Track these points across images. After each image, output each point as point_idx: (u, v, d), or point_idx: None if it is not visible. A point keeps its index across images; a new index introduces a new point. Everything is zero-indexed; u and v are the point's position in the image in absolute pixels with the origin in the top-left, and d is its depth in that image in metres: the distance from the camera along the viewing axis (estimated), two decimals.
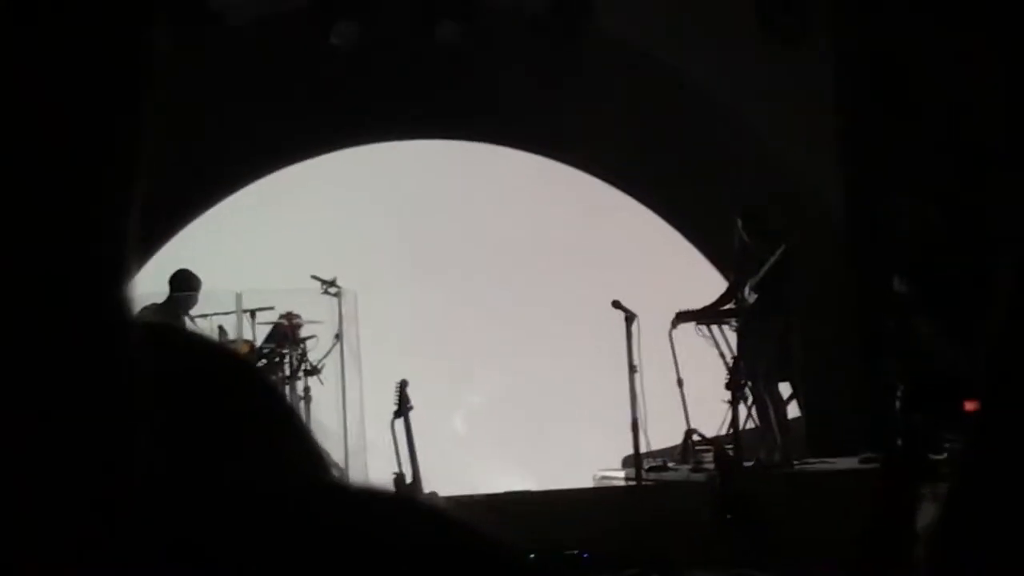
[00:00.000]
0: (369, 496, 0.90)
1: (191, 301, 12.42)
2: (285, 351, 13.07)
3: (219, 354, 1.02)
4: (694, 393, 12.83)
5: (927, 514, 8.71)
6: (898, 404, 10.85)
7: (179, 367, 0.91)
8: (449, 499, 10.43)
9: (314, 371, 13.15)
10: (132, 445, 0.73)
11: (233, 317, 13.00)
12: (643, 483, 11.42)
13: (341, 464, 13.02)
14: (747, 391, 12.33)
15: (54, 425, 0.69)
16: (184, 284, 12.40)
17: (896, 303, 12.31)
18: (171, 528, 0.75)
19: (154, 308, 11.71)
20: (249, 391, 1.00)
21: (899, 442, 10.37)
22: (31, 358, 0.69)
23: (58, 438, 0.70)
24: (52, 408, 0.70)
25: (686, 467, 12.57)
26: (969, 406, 10.26)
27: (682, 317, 12.72)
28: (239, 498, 0.81)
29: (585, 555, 10.56)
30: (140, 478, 0.73)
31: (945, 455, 9.88)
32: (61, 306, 0.70)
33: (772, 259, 12.26)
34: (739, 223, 12.58)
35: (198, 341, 1.04)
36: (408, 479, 10.28)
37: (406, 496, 0.90)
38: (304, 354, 13.17)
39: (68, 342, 0.70)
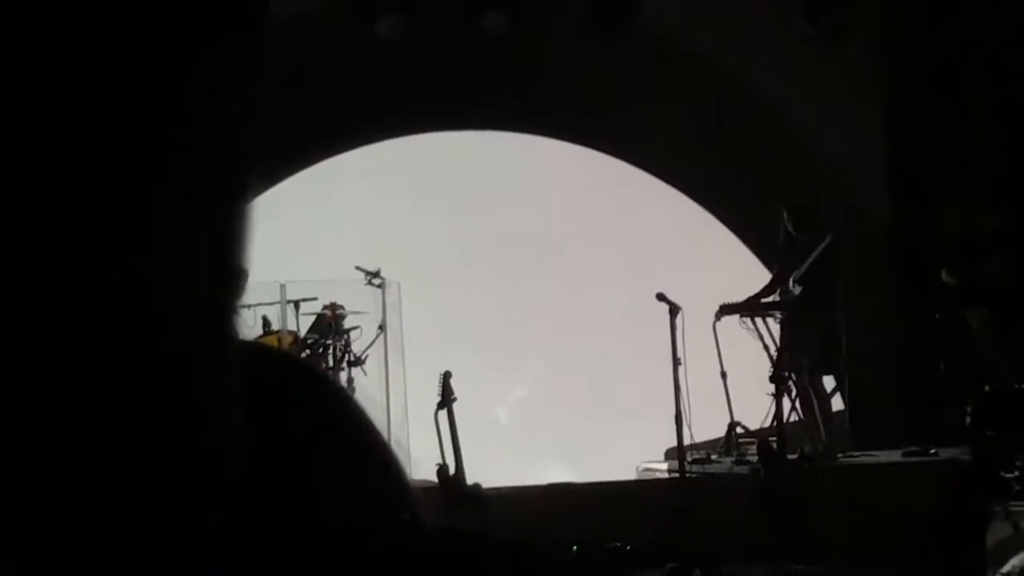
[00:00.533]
0: (441, 545, 0.90)
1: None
2: (329, 342, 13.11)
3: (313, 376, 1.02)
4: (738, 386, 12.82)
5: (999, 532, 8.68)
6: (968, 419, 10.80)
7: (273, 384, 0.91)
8: (492, 490, 10.45)
9: (358, 362, 13.18)
10: (227, 455, 0.74)
11: (277, 308, 13.04)
12: (686, 475, 11.40)
13: None
14: (791, 384, 12.31)
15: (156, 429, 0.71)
16: None
17: (946, 295, 12.26)
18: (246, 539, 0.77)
19: None
20: (346, 423, 0.99)
21: (971, 459, 10.33)
22: (139, 365, 0.70)
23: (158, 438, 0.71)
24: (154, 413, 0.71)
25: (729, 460, 12.55)
26: None
27: (726, 309, 12.69)
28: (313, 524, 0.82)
29: (627, 547, 10.55)
30: (229, 486, 0.74)
31: (1017, 473, 9.83)
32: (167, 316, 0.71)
33: (817, 251, 12.23)
34: (784, 215, 12.57)
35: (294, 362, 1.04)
36: (451, 470, 10.29)
37: (479, 541, 0.90)
38: (348, 345, 13.20)
39: (177, 350, 0.71)
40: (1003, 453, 9.91)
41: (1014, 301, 11.62)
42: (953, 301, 12.07)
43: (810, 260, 12.29)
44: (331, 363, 13.11)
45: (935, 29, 13.88)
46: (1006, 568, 7.60)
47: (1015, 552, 8.03)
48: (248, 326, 11.35)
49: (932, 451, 12.03)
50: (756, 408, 12.43)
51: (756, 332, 12.61)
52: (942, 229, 13.33)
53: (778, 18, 14.22)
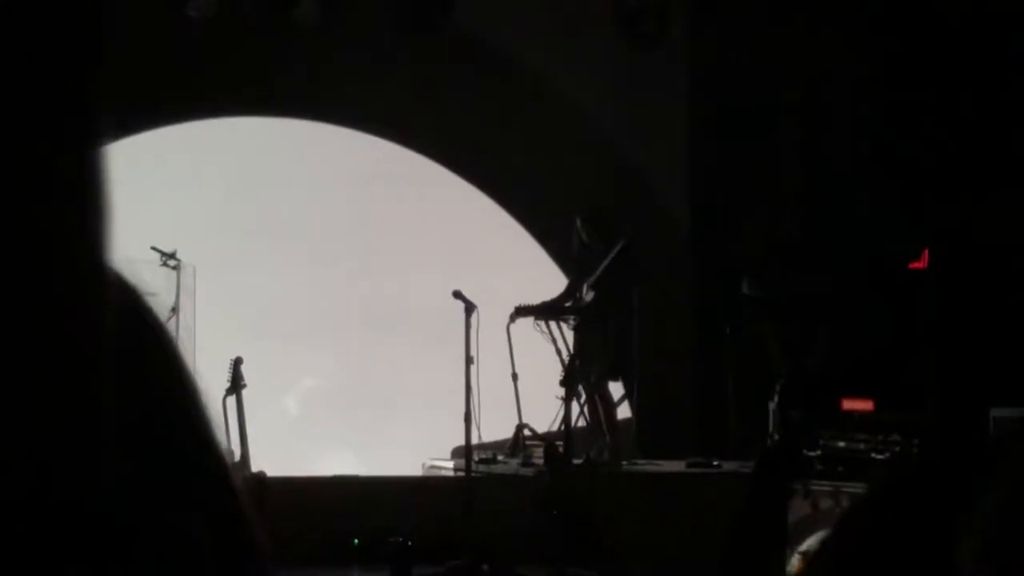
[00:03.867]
0: None
1: None
2: None
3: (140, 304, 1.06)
4: (528, 388, 12.89)
5: (798, 510, 8.86)
6: (776, 398, 11.00)
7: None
8: (277, 479, 10.39)
9: None
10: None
11: None
12: (472, 475, 11.44)
13: None
14: (581, 389, 12.41)
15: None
16: None
17: (739, 308, 12.48)
18: None
19: None
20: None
21: (775, 436, 10.54)
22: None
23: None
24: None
25: (515, 461, 12.62)
26: (847, 404, 10.44)
27: (521, 312, 12.77)
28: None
29: (409, 542, 10.56)
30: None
31: (819, 452, 10.04)
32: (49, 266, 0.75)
33: (609, 257, 12.37)
34: (578, 222, 12.69)
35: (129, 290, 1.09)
36: (236, 457, 10.20)
37: None
38: None
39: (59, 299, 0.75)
40: (806, 431, 10.15)
41: (806, 315, 11.86)
42: (750, 313, 12.29)
43: (602, 266, 12.43)
44: None
45: (742, 37, 14.10)
46: (803, 547, 7.76)
47: (814, 531, 8.20)
48: None
49: (715, 463, 12.24)
50: (545, 411, 12.52)
51: (550, 336, 12.71)
52: (740, 239, 13.56)
53: (586, 23, 14.34)
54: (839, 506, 9.07)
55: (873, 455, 10.05)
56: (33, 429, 0.74)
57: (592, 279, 12.50)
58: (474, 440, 11.53)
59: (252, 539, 0.99)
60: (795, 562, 7.64)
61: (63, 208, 0.76)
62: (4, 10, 0.74)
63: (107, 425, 0.78)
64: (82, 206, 0.78)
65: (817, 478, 9.67)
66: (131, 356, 0.90)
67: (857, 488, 8.98)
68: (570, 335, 12.70)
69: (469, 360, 11.40)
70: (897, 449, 9.79)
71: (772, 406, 11.15)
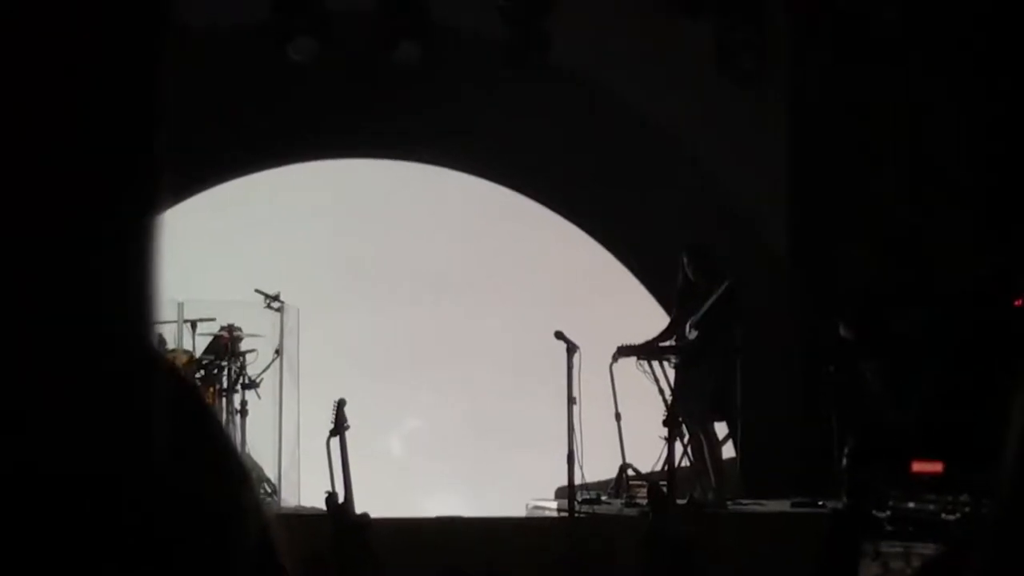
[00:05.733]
0: None
1: None
2: (224, 363, 13.01)
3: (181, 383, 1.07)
4: (631, 428, 12.84)
5: (868, 571, 8.77)
6: (845, 460, 10.89)
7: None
8: (381, 520, 10.40)
9: (252, 385, 13.09)
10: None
11: (174, 327, 12.92)
12: (575, 515, 11.40)
13: (273, 479, 12.96)
14: (684, 429, 12.35)
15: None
16: None
17: (841, 348, 12.38)
18: None
19: None
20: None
21: (845, 498, 10.43)
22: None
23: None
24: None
25: (619, 502, 12.57)
26: (916, 466, 10.33)
27: (623, 351, 12.73)
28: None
29: None
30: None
31: (889, 513, 9.93)
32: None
33: (714, 296, 12.31)
34: (684, 259, 12.64)
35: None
36: (340, 498, 10.22)
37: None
38: (243, 367, 13.10)
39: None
40: (876, 493, 10.04)
41: (909, 357, 11.74)
42: (849, 354, 12.18)
43: (707, 305, 12.37)
44: (225, 385, 13.02)
45: (843, 74, 14.03)
46: None
47: None
48: None
49: (820, 503, 12.12)
50: (648, 451, 12.46)
51: (652, 375, 12.66)
52: (840, 280, 13.46)
53: (688, 61, 14.34)
54: (909, 567, 8.98)
55: (943, 516, 9.93)
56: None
57: (696, 318, 12.44)
58: (577, 480, 11.50)
59: None
60: None
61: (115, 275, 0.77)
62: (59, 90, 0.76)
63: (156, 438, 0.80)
64: (134, 274, 0.79)
65: (887, 539, 9.58)
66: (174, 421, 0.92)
67: (927, 549, 8.92)
68: (672, 374, 12.64)
69: (571, 400, 11.38)
70: (967, 510, 9.67)
71: (843, 466, 11.04)
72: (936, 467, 10.40)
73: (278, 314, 13.17)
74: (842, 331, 12.16)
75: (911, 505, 10.18)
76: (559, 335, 11.57)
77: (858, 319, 12.17)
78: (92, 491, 0.75)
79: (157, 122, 0.79)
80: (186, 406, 0.98)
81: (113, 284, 0.77)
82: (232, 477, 0.96)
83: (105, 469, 0.76)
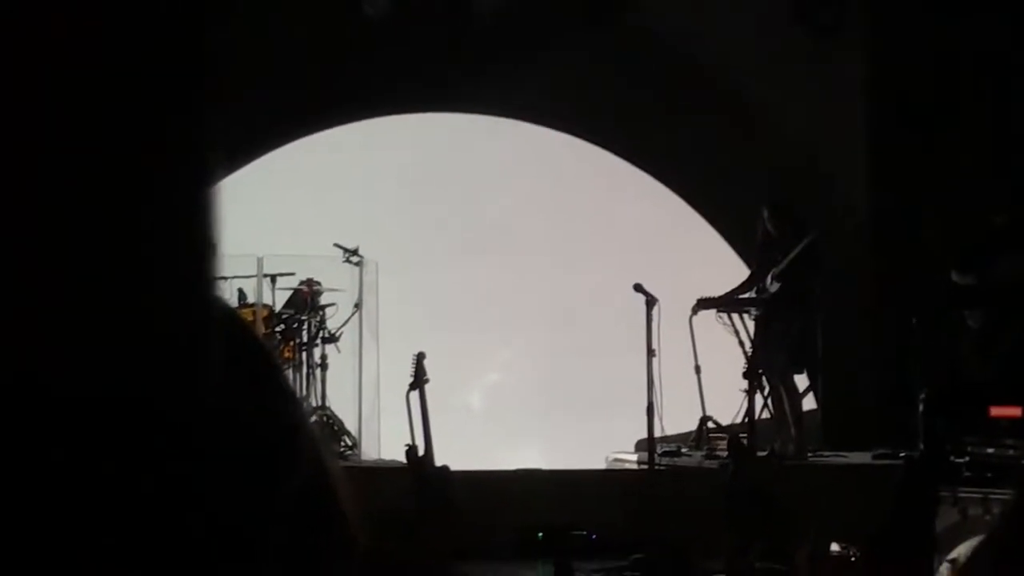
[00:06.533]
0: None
1: None
2: (304, 317, 13.08)
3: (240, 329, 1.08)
4: (711, 380, 12.83)
5: (946, 517, 8.71)
6: (921, 407, 10.81)
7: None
8: (461, 473, 10.44)
9: (332, 339, 13.16)
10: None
11: (254, 281, 13.00)
12: (655, 468, 11.40)
13: (354, 431, 13.04)
14: (764, 381, 12.32)
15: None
16: None
17: (953, 294, 12.21)
18: None
19: None
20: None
21: (921, 445, 10.35)
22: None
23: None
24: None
25: (699, 454, 12.57)
26: (994, 411, 10.24)
27: (703, 304, 12.69)
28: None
29: (593, 536, 10.56)
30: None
31: (967, 459, 9.85)
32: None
33: (796, 249, 12.23)
34: (764, 212, 12.56)
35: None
36: (420, 451, 10.27)
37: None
38: (323, 321, 13.17)
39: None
40: (954, 440, 9.96)
41: (1012, 304, 11.60)
42: (960, 301, 12.02)
43: (789, 258, 12.29)
44: (305, 339, 13.09)
45: (927, 28, 13.88)
46: (952, 555, 7.63)
47: (962, 539, 8.06)
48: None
49: (902, 454, 12.04)
50: (728, 404, 12.45)
51: (732, 328, 12.62)
52: (938, 229, 13.30)
53: (764, 16, 14.23)
54: (988, 513, 8.88)
55: (1023, 461, 9.83)
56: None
57: (778, 270, 12.37)
58: (657, 433, 11.49)
59: (339, 535, 1.01)
60: (944, 571, 7.51)
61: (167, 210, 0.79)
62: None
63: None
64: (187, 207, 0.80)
65: (965, 485, 9.49)
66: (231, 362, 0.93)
67: (1007, 495, 8.81)
68: (752, 327, 12.59)
69: (651, 352, 11.36)
70: None
71: (919, 413, 10.95)
72: (1015, 411, 10.30)
73: (357, 268, 13.22)
74: (955, 276, 11.99)
75: (990, 451, 10.09)
76: (638, 288, 11.53)
77: (976, 264, 12.00)
78: (130, 414, 0.77)
79: (207, 63, 0.80)
80: (248, 351, 0.99)
81: (164, 226, 0.78)
82: (286, 420, 0.97)
83: (148, 394, 0.78)
